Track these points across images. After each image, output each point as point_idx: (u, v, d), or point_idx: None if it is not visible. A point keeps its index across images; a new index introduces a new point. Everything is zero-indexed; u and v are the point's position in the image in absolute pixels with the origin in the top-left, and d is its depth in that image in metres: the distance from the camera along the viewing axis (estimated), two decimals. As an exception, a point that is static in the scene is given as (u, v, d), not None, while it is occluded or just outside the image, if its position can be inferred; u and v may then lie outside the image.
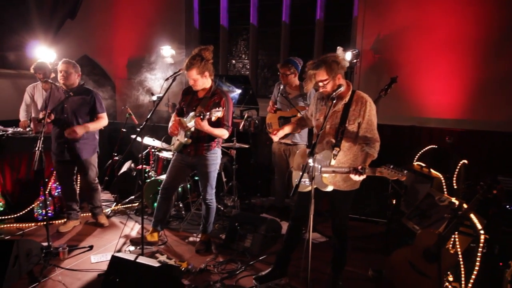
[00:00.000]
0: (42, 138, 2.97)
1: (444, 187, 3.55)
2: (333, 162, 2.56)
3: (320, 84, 2.55)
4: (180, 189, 4.35)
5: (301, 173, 2.35)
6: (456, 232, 2.75)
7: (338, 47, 5.09)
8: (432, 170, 3.74)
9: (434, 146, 4.12)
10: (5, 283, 2.67)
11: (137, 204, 4.56)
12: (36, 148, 2.94)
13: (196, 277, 3.05)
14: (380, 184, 4.04)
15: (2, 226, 3.84)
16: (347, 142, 2.60)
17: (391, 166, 2.30)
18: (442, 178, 3.58)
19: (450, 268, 2.77)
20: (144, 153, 4.65)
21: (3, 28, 6.27)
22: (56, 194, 4.17)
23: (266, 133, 4.70)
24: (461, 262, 2.78)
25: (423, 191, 3.58)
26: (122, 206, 4.56)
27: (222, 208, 4.28)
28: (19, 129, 4.40)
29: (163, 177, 4.31)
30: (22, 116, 4.63)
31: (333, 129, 2.61)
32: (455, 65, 5.24)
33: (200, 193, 4.08)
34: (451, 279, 2.90)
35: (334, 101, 2.46)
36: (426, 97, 5.49)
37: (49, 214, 4.00)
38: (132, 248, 3.49)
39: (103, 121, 3.81)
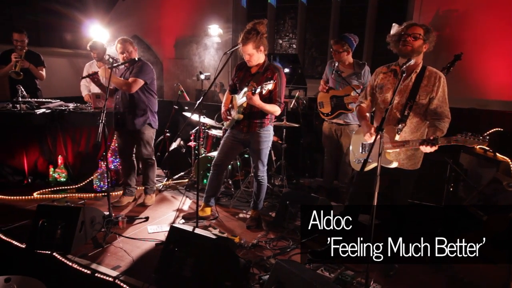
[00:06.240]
0: (105, 111, 3.09)
1: (513, 172, 3.32)
2: (397, 137, 2.45)
3: None
4: (229, 166, 4.40)
5: (361, 151, 2.26)
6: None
7: (393, 24, 4.81)
8: (498, 154, 3.50)
9: (499, 129, 3.84)
10: (73, 245, 2.85)
11: (187, 180, 4.68)
12: (100, 121, 3.05)
13: (248, 251, 3.09)
14: (436, 168, 3.85)
15: (65, 195, 4.09)
16: (415, 118, 2.48)
17: (469, 134, 2.16)
18: (510, 162, 3.35)
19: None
20: (194, 130, 4.73)
21: (60, 10, 6.56)
22: (112, 167, 4.36)
23: (316, 113, 4.61)
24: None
25: (487, 175, 3.38)
26: (173, 182, 4.70)
27: (270, 187, 4.29)
28: (79, 104, 4.61)
29: (213, 154, 4.40)
30: (84, 92, 4.84)
31: (400, 104, 2.49)
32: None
33: (249, 171, 4.11)
34: (518, 268, 2.72)
35: (404, 74, 2.34)
36: (488, 78, 5.13)
37: (106, 186, 4.17)
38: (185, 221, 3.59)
39: (128, 83, 3.57)
